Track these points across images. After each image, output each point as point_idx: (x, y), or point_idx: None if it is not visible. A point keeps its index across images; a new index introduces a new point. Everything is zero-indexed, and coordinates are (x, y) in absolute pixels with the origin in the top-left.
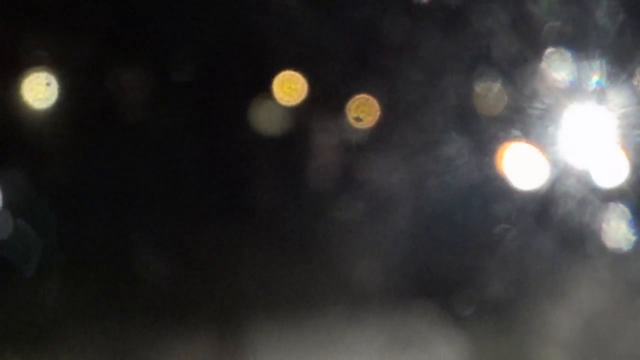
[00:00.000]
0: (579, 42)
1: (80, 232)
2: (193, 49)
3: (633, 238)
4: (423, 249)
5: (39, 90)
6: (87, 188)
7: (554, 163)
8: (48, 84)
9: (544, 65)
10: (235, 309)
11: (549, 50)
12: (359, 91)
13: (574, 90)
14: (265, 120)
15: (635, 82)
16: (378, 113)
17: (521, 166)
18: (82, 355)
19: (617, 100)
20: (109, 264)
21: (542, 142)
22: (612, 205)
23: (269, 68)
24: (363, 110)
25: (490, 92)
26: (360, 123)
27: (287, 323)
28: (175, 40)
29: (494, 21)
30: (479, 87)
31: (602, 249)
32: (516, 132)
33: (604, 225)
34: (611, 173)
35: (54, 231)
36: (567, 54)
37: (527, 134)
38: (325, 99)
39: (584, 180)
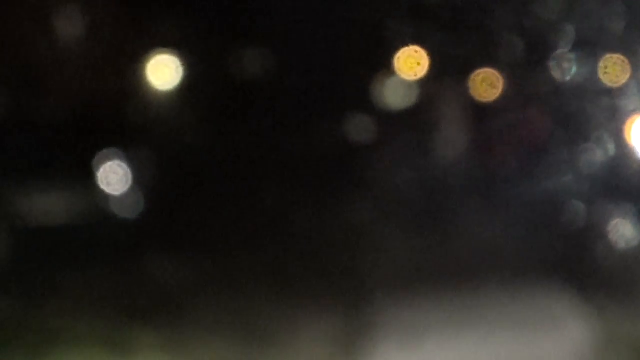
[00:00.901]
0: None
1: (206, 210)
2: (315, 26)
3: None
4: (547, 222)
5: (165, 72)
6: (213, 166)
7: None
8: (173, 67)
9: None
10: (362, 284)
11: None
12: (482, 65)
13: None
14: (388, 95)
15: None
16: (501, 87)
17: None
18: (211, 329)
19: None
20: (237, 241)
21: None
22: None
23: (391, 43)
24: (487, 84)
25: (614, 64)
26: (483, 97)
27: (412, 299)
28: (296, 18)
29: None
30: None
31: None
32: None
33: None
34: None
35: (183, 209)
36: None
37: None
38: (447, 73)
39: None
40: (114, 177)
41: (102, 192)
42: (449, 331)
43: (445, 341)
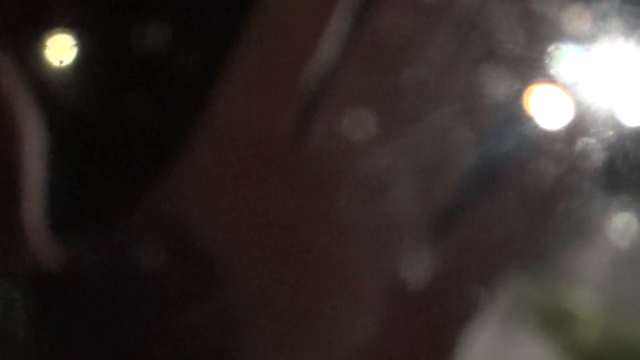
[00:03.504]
0: None
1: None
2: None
3: None
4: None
5: (62, 51)
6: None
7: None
8: (71, 46)
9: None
10: None
11: None
12: None
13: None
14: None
15: None
16: None
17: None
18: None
19: None
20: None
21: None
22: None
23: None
24: None
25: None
26: None
27: None
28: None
29: None
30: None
31: (630, 185)
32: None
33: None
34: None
35: (77, 188)
36: None
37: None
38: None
39: (610, 120)
40: None
41: None
42: None
43: None
